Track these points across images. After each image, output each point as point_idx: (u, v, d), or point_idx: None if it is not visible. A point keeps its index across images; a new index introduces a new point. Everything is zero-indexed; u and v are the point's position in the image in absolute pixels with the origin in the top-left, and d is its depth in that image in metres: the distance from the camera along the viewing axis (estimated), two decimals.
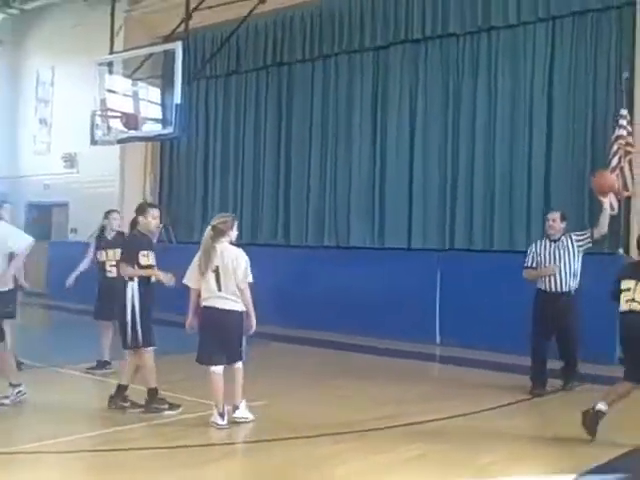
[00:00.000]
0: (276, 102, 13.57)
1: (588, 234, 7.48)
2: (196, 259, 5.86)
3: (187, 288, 5.92)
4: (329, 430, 5.70)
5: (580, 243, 7.43)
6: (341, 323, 11.01)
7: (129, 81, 12.53)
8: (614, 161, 9.21)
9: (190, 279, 5.87)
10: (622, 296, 5.61)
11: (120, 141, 12.41)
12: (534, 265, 7.51)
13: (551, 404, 7.15)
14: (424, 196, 11.53)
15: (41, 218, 17.19)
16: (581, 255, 7.43)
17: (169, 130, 12.15)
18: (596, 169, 9.62)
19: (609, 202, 7.81)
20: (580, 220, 9.23)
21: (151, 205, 6.86)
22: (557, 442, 5.67)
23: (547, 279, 7.38)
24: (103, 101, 12.17)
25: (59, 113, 16.95)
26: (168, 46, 12.22)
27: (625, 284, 5.61)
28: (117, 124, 12.05)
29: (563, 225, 7.54)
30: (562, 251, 7.38)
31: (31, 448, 5.04)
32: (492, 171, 10.86)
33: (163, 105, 13.11)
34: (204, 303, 5.82)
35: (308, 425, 5.86)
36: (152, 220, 6.45)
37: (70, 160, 16.44)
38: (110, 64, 12.61)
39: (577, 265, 7.42)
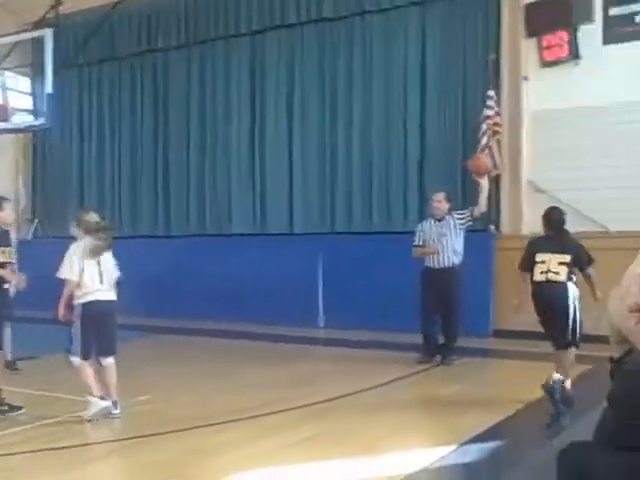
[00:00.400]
0: (152, 89, 13.31)
1: (468, 213, 8.04)
2: (77, 253, 5.77)
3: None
4: (217, 419, 5.70)
5: (461, 221, 7.98)
6: (226, 311, 11.01)
7: None
8: (483, 140, 9.56)
9: (71, 272, 5.76)
10: (536, 268, 6.02)
11: None
12: (421, 243, 8.01)
13: (433, 378, 7.42)
14: (304, 181, 11.60)
15: None
16: (463, 232, 7.97)
17: (41, 121, 11.81)
18: (467, 150, 10.01)
19: (485, 182, 8.28)
20: (454, 200, 9.48)
21: (5, 198, 6.63)
22: (440, 415, 5.91)
23: (431, 256, 7.89)
24: None
25: None
26: (37, 33, 11.82)
27: (540, 257, 6.03)
28: None
29: (448, 205, 8.08)
30: (445, 230, 7.91)
31: None
32: (369, 154, 11.03)
33: (34, 95, 12.71)
34: (88, 298, 5.77)
35: (195, 416, 5.84)
36: (11, 213, 6.36)
37: None
38: None
39: (459, 242, 7.94)
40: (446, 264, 7.88)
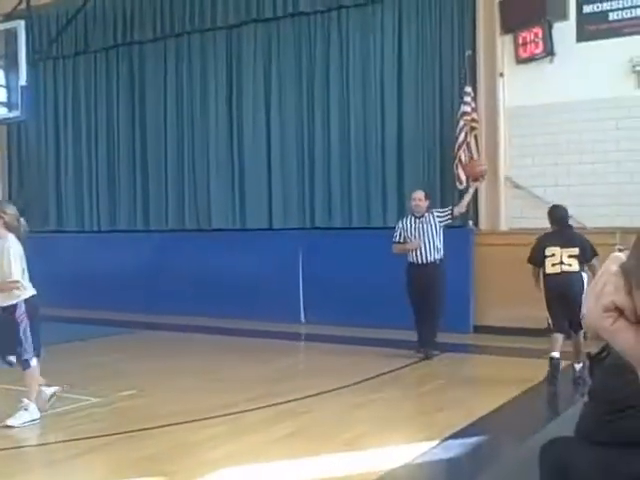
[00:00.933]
0: (128, 83, 13.22)
1: (449, 212, 8.33)
2: (20, 252, 5.69)
3: None
4: (201, 415, 5.73)
5: (441, 219, 8.22)
6: (206, 306, 11.00)
7: None
8: (461, 137, 9.61)
9: (18, 274, 5.63)
10: (547, 261, 6.57)
11: None
12: (401, 240, 8.22)
13: (414, 374, 7.47)
14: (283, 177, 11.58)
15: None
16: (442, 230, 8.18)
17: (15, 113, 11.65)
18: (445, 146, 10.08)
19: (475, 187, 8.78)
20: (432, 197, 9.53)
21: None
22: (421, 411, 5.96)
23: (414, 253, 8.09)
24: None
25: None
26: (9, 25, 11.67)
27: (549, 251, 6.58)
28: None
29: (427, 203, 8.31)
30: (426, 226, 8.12)
31: None
32: (347, 150, 11.03)
33: (7, 87, 12.53)
34: (27, 293, 5.69)
35: (178, 412, 5.86)
36: None
37: None
38: None
39: (439, 239, 8.15)
40: (429, 260, 8.08)
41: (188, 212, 12.48)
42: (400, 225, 8.32)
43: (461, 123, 9.66)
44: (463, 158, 9.55)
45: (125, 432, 5.34)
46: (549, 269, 6.54)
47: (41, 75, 13.85)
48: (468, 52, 9.94)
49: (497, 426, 5.62)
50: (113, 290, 11.93)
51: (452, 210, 8.30)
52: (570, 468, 2.81)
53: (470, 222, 9.76)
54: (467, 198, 8.49)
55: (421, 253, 8.08)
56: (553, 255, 6.56)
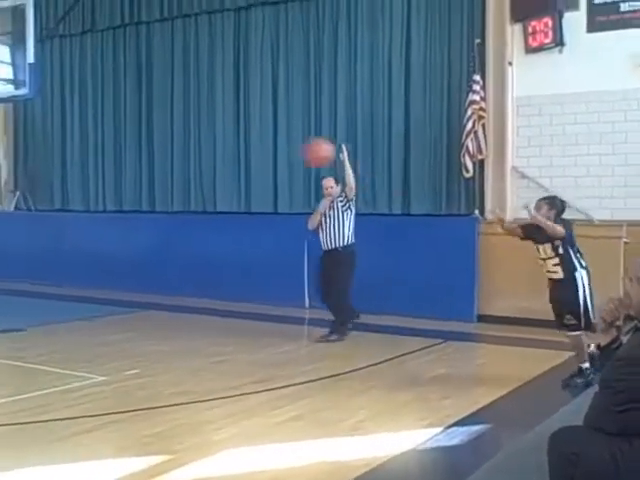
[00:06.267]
0: (135, 63, 13.18)
1: (343, 195, 8.44)
2: None
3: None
4: (204, 396, 5.78)
5: (342, 204, 8.36)
6: (212, 289, 11.05)
7: None
8: (469, 125, 9.59)
9: None
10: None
11: None
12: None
13: (418, 361, 7.43)
14: (289, 160, 11.53)
15: None
16: (351, 214, 8.48)
17: (23, 91, 11.61)
18: (452, 133, 10.05)
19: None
20: (438, 186, 9.54)
21: None
22: (425, 398, 5.94)
23: (322, 239, 8.40)
24: None
25: None
26: (18, 1, 11.63)
27: None
28: None
29: (338, 189, 8.45)
30: (333, 213, 8.34)
31: None
32: (354, 136, 10.95)
33: (14, 65, 12.49)
34: None
35: (183, 392, 5.93)
36: None
37: None
38: None
39: (347, 225, 8.41)
40: (331, 246, 8.33)
41: (194, 194, 12.47)
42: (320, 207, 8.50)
43: (469, 112, 9.62)
44: (470, 147, 9.54)
45: (130, 411, 5.40)
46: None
47: (48, 53, 13.83)
48: (477, 40, 9.89)
49: (501, 415, 5.62)
50: (118, 270, 11.96)
51: (345, 192, 8.35)
52: (580, 457, 2.83)
53: (476, 211, 9.75)
54: (347, 170, 8.31)
55: (326, 241, 8.31)
56: None
